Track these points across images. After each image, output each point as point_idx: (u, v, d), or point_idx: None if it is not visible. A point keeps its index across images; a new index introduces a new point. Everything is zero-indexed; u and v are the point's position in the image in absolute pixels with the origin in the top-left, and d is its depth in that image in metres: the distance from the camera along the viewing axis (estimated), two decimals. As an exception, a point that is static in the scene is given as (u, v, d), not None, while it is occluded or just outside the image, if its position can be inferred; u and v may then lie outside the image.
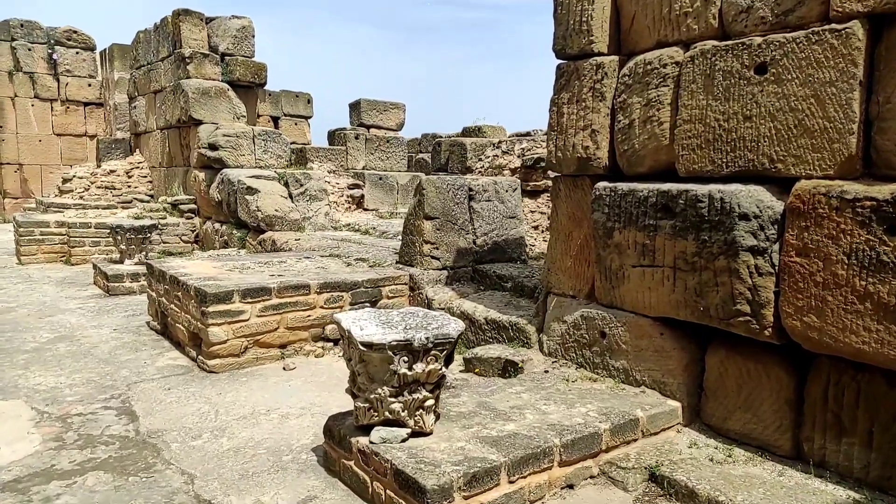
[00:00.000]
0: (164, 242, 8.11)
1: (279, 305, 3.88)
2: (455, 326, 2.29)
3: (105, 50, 14.08)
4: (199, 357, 3.78)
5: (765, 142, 2.39)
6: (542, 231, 5.34)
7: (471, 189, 4.64)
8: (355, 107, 12.66)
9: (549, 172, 5.41)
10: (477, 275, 4.61)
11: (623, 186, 2.86)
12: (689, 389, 2.72)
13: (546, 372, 3.14)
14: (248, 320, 3.76)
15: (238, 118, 9.48)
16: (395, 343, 2.12)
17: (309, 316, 4.02)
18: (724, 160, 2.53)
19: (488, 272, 4.53)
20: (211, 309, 3.62)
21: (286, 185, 7.87)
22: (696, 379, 2.73)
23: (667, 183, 2.71)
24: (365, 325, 2.24)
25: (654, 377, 2.81)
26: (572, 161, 3.13)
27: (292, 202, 7.69)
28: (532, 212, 5.22)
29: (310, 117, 14.37)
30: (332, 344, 4.14)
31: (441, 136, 13.56)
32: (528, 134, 5.68)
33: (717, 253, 2.47)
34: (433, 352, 2.19)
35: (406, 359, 2.15)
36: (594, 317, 3.09)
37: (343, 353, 2.35)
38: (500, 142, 5.58)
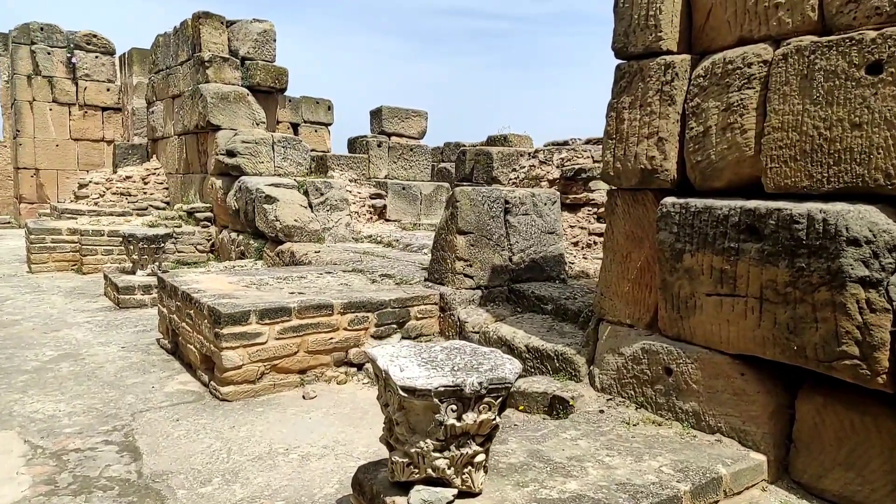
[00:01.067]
0: (179, 251, 7.89)
1: (299, 327, 3.57)
2: (511, 368, 1.95)
3: (124, 54, 14.04)
4: (212, 383, 3.48)
5: (879, 153, 2.04)
6: (582, 248, 5.00)
7: (507, 202, 4.32)
8: (376, 114, 12.43)
9: (593, 185, 5.07)
10: (513, 295, 4.27)
11: (696, 203, 2.51)
12: (775, 440, 2.35)
13: (601, 412, 2.79)
14: (265, 343, 3.46)
15: (257, 124, 9.27)
16: (442, 389, 1.79)
17: (331, 339, 3.71)
18: (825, 174, 2.17)
19: (526, 292, 4.19)
20: (225, 331, 3.32)
21: (306, 193, 7.62)
22: (785, 428, 2.36)
23: (751, 200, 2.36)
24: (405, 364, 1.92)
25: (733, 424, 2.45)
26: (633, 173, 2.79)
27: (312, 212, 7.43)
28: (571, 227, 4.89)
29: (330, 124, 14.18)
30: (355, 369, 3.83)
31: (464, 145, 13.29)
32: (565, 143, 5.36)
33: (817, 283, 2.11)
34: (486, 399, 1.85)
35: (454, 407, 1.82)
36: (658, 350, 2.73)
37: (378, 397, 2.02)
38: (536, 151, 5.27)
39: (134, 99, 13.45)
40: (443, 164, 13.14)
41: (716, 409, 2.50)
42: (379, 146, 9.37)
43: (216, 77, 9.15)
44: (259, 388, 3.44)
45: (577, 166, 4.95)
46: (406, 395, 1.81)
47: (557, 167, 5.05)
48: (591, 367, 3.10)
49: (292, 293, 3.91)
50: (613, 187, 3.02)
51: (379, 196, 8.41)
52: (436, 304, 4.17)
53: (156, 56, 11.00)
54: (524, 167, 5.23)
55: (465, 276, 4.12)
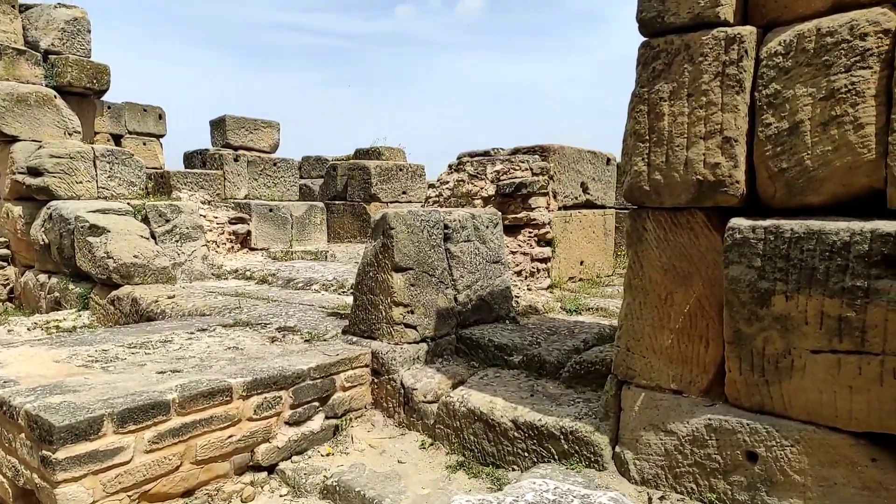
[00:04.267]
0: (-39, 304, 5.97)
1: (183, 428, 2.42)
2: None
3: None
4: (37, 537, 2.20)
5: None
6: (526, 277, 4.32)
7: (446, 226, 3.48)
8: (219, 125, 10.89)
9: (532, 202, 4.41)
10: (463, 345, 3.44)
11: (793, 226, 1.88)
12: (930, 549, 1.77)
13: (664, 521, 2.05)
14: (129, 462, 2.27)
15: (70, 134, 7.50)
16: None
17: (231, 437, 2.60)
18: None
19: (481, 341, 3.37)
20: (62, 454, 2.09)
21: (146, 221, 6.15)
22: (938, 530, 1.79)
23: (872, 220, 1.78)
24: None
25: (862, 528, 1.83)
26: (684, 186, 2.11)
27: (157, 244, 5.99)
28: (513, 252, 4.19)
29: (162, 136, 12.32)
30: (265, 474, 2.74)
31: (327, 160, 12.23)
32: (486, 153, 4.68)
33: None
34: None
35: None
36: (733, 428, 2.06)
37: None
38: (461, 163, 4.51)
39: None
40: (303, 181, 11.94)
41: (835, 508, 1.87)
42: (236, 160, 8.04)
43: (8, 73, 7.26)
44: (121, 534, 2.23)
45: (515, 180, 4.26)
46: None
47: (492, 182, 4.34)
48: (618, 450, 2.36)
49: (162, 372, 2.72)
50: (637, 205, 2.32)
51: (241, 220, 7.12)
52: (366, 366, 3.20)
53: (-84, 45, 8.60)
54: (447, 182, 4.45)
55: (407, 326, 3.20)
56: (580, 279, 5.18)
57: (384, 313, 3.21)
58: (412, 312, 3.22)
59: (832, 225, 1.82)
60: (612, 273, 5.74)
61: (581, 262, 5.18)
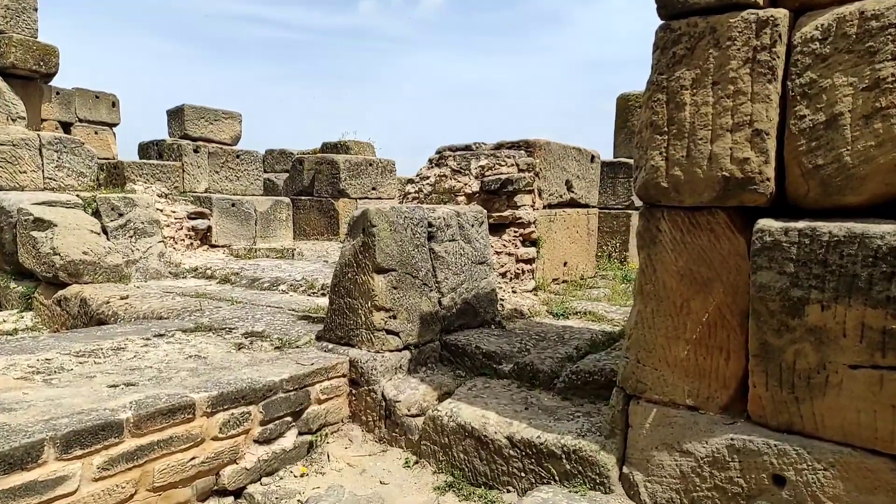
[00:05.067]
0: None
1: (138, 452, 2.15)
2: None
3: None
4: (-38, 582, 1.90)
5: None
6: (511, 279, 4.12)
7: (430, 224, 3.26)
8: (177, 115, 10.41)
9: (518, 199, 4.21)
10: (448, 352, 3.22)
11: (832, 228, 1.72)
12: (978, 584, 1.63)
13: (684, 553, 1.87)
14: (74, 493, 1.98)
15: (13, 120, 7.04)
16: None
17: (193, 459, 2.33)
18: None
19: (468, 348, 3.16)
20: (-9, 488, 1.80)
21: (97, 214, 5.76)
22: None
23: (921, 223, 1.63)
24: None
25: (904, 561, 1.68)
26: (707, 182, 1.94)
27: (109, 240, 5.61)
28: (498, 253, 3.98)
29: (115, 125, 11.75)
30: (231, 499, 2.48)
31: (292, 153, 11.86)
32: (468, 147, 4.46)
33: None
34: None
35: None
36: (758, 449, 1.89)
37: None
38: (442, 157, 4.28)
39: None
40: (267, 175, 11.54)
41: (873, 539, 1.72)
42: (196, 152, 7.65)
43: (-56, 52, 6.74)
44: (64, 576, 1.95)
45: (501, 176, 4.05)
46: None
47: (476, 177, 4.12)
48: (627, 470, 2.18)
49: (114, 386, 2.43)
50: (650, 204, 2.14)
51: (201, 215, 6.76)
52: (344, 375, 2.96)
53: None
54: (427, 177, 4.22)
55: (389, 332, 2.97)
56: (564, 281, 5.01)
57: (364, 318, 2.97)
58: (394, 317, 2.98)
59: (877, 228, 1.66)
60: (595, 275, 5.61)
61: (565, 264, 5.02)
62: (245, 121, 9.54)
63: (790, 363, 1.83)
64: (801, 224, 1.78)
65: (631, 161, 6.89)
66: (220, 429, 2.42)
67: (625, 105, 7.26)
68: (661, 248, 2.11)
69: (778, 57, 1.83)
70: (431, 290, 3.21)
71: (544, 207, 4.51)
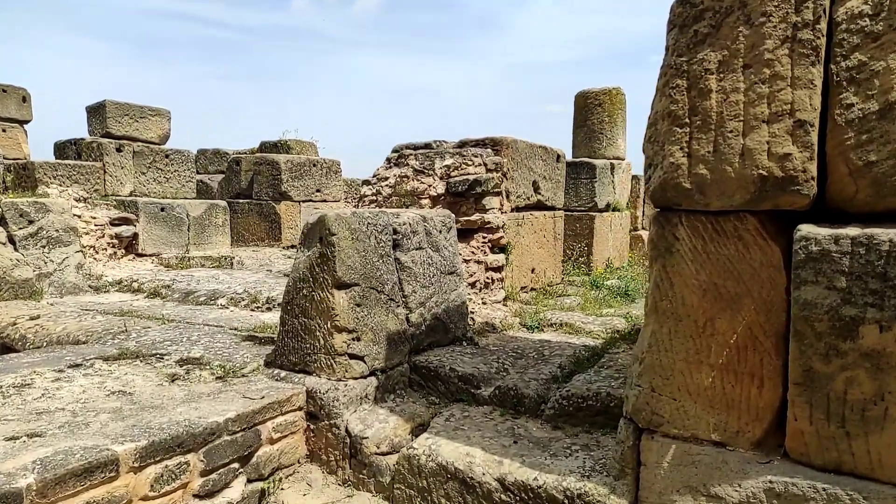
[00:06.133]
0: None
1: (44, 525, 1.72)
2: None
3: None
4: None
5: None
6: (480, 289, 3.81)
7: (395, 231, 2.93)
8: (98, 111, 9.63)
9: (486, 202, 3.92)
10: (419, 375, 2.89)
11: (892, 236, 1.49)
12: None
13: None
14: (-45, 589, 1.55)
15: None
16: None
17: (117, 527, 1.91)
18: None
19: (440, 371, 2.84)
20: None
21: (2, 221, 5.13)
22: None
23: None
24: None
25: None
26: (740, 182, 1.68)
27: (16, 250, 5.00)
28: (466, 261, 3.67)
29: (27, 122, 10.83)
30: (167, 569, 2.07)
31: (227, 153, 11.24)
32: (427, 146, 4.13)
33: None
34: None
35: None
36: (803, 493, 1.65)
37: None
38: (400, 155, 3.93)
39: None
40: (200, 177, 10.88)
41: None
42: (119, 151, 7.03)
43: None
44: None
45: (469, 177, 3.73)
46: None
47: (441, 178, 3.79)
48: (642, 516, 1.91)
49: (14, 438, 1.98)
50: (665, 207, 1.88)
51: (125, 221, 6.18)
52: (300, 408, 2.58)
53: None
54: (387, 178, 3.85)
55: (352, 357, 2.62)
56: (532, 289, 4.76)
57: (322, 341, 2.60)
58: (358, 339, 2.63)
59: (949, 235, 1.44)
60: (562, 281, 5.38)
61: (532, 270, 4.77)
62: (175, 119, 8.91)
63: (840, 393, 1.59)
64: (853, 231, 1.55)
65: (594, 161, 6.73)
66: (152, 486, 2.01)
67: (584, 103, 7.10)
68: (678, 259, 1.85)
69: (822, 35, 1.59)
70: (398, 306, 2.87)
71: (512, 210, 4.24)
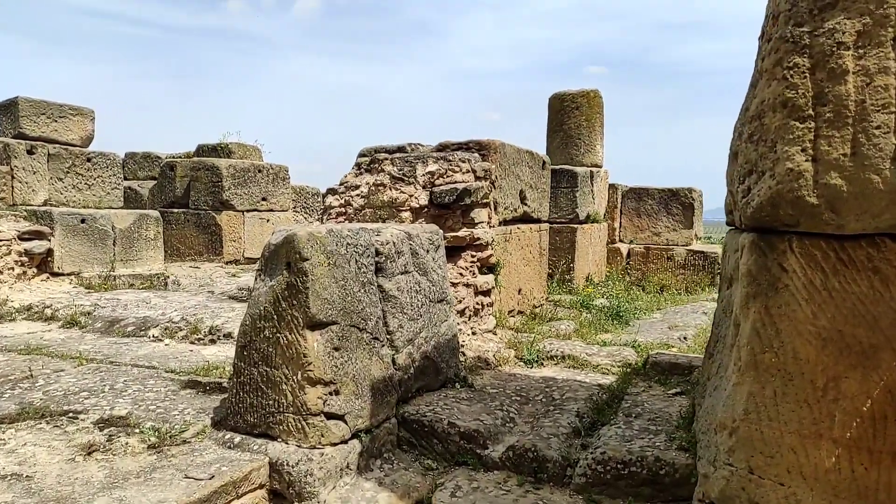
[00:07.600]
0: None
1: None
2: None
3: None
4: None
5: None
6: (469, 317, 3.32)
7: (377, 252, 2.42)
8: (9, 109, 8.69)
9: (474, 215, 3.44)
10: (409, 431, 2.39)
11: None
12: None
13: None
14: None
15: None
16: None
17: None
18: None
19: (437, 426, 2.35)
20: None
21: None
22: None
23: None
24: None
25: None
26: (892, 197, 1.27)
27: None
28: (454, 284, 3.17)
29: (-77, 120, 9.71)
30: None
31: (160, 157, 10.42)
32: (400, 149, 3.63)
33: None
34: None
35: None
36: None
37: None
38: (375, 160, 3.40)
39: None
40: (128, 184, 10.02)
41: None
42: (30, 153, 6.25)
43: None
44: None
45: (457, 186, 3.23)
46: None
47: (424, 187, 3.29)
48: None
49: None
50: (768, 229, 1.45)
51: (38, 235, 5.42)
52: (262, 486, 2.03)
53: None
54: (358, 187, 3.31)
55: (330, 416, 2.08)
56: (519, 312, 4.32)
57: (291, 397, 2.07)
58: (337, 393, 2.11)
59: None
60: (547, 300, 4.96)
61: (519, 291, 4.32)
62: (102, 121, 8.14)
63: None
64: None
65: (576, 169, 6.35)
66: None
67: (559, 106, 6.73)
68: (788, 299, 1.42)
69: None
70: (383, 346, 2.36)
71: (500, 224, 3.78)
